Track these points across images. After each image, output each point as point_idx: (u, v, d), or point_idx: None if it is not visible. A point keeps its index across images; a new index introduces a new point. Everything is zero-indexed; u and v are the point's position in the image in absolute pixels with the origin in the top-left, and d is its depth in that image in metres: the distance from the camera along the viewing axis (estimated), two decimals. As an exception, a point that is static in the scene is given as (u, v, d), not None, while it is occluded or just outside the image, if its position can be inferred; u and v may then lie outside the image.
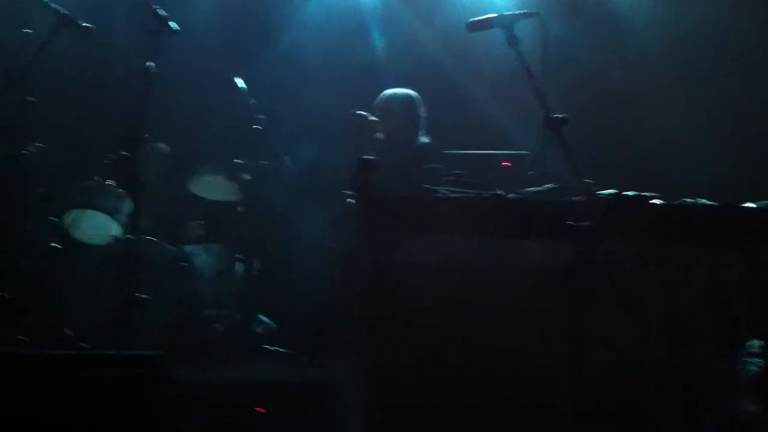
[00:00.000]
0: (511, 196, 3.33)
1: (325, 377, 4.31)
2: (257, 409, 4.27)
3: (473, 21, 3.61)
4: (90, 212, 5.32)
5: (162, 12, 4.47)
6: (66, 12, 4.35)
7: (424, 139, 5.37)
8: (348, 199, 4.62)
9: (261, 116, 5.78)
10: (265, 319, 5.66)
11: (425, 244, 3.17)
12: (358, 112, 5.26)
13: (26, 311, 4.92)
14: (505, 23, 3.51)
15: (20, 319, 4.76)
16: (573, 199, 3.34)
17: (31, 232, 5.36)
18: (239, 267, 5.69)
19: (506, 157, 5.89)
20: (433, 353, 3.09)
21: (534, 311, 3.14)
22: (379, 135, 5.38)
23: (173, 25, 4.49)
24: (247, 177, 5.73)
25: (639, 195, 3.43)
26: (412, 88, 5.55)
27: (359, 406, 3.19)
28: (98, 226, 5.40)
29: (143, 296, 4.30)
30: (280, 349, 5.34)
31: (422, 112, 5.42)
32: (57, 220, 5.51)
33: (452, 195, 3.33)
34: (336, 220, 5.12)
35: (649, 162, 6.34)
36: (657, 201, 3.46)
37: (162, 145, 6.08)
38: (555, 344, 3.12)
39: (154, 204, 6.00)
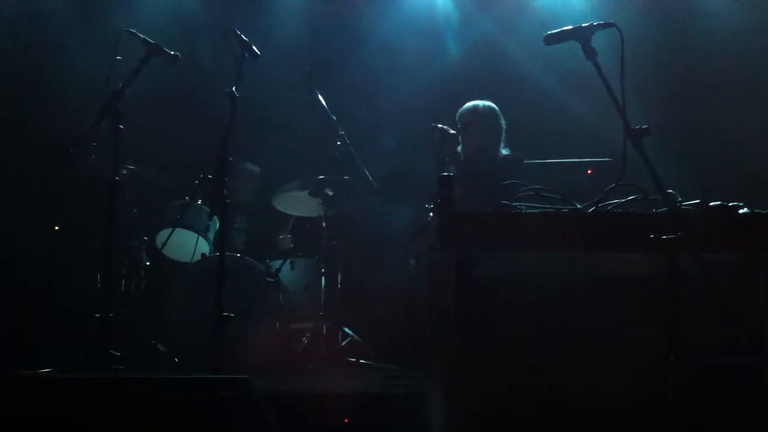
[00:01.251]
0: (591, 210, 3.30)
1: (410, 390, 4.35)
2: (345, 420, 4.33)
3: (550, 34, 3.59)
4: (182, 231, 5.54)
5: (244, 37, 4.62)
6: (153, 42, 4.54)
7: (505, 152, 5.34)
8: (429, 214, 4.66)
9: (342, 132, 5.89)
10: (350, 332, 5.75)
11: (506, 259, 3.17)
12: (439, 125, 5.27)
13: (123, 328, 5.12)
14: (582, 35, 3.49)
15: (117, 335, 4.95)
16: (656, 210, 3.30)
17: (128, 251, 5.61)
18: (324, 281, 5.79)
19: (588, 165, 5.86)
20: (518, 367, 3.09)
21: (617, 324, 3.11)
22: (460, 148, 5.39)
23: (255, 49, 4.63)
24: (330, 192, 5.85)
25: (724, 204, 3.35)
26: (491, 100, 5.54)
27: (444, 419, 3.22)
28: (188, 244, 5.62)
29: (231, 314, 4.41)
30: (366, 362, 5.42)
31: (503, 123, 5.38)
32: (148, 239, 5.77)
33: (531, 211, 3.33)
34: (418, 235, 5.16)
35: (736, 165, 6.18)
36: (744, 210, 3.38)
37: (251, 165, 6.29)
38: (640, 356, 3.09)
39: (242, 221, 6.21)
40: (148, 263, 5.76)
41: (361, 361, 5.45)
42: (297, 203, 6.10)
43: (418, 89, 6.68)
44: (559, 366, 3.09)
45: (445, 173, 3.73)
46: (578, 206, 3.39)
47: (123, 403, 3.00)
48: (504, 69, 6.69)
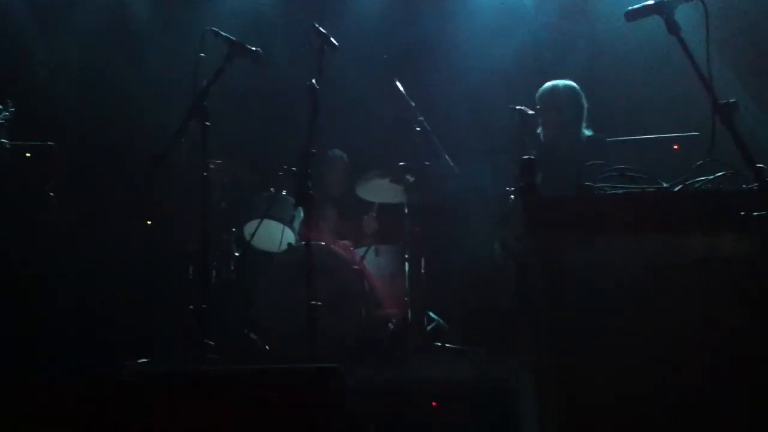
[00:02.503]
0: (678, 188, 3.23)
1: (498, 375, 4.36)
2: (433, 403, 4.37)
3: (631, 9, 3.52)
4: (268, 222, 5.66)
5: (323, 30, 4.68)
6: (236, 39, 4.64)
7: (587, 132, 5.25)
8: (511, 198, 4.64)
9: (421, 118, 5.90)
10: (435, 317, 5.79)
11: (592, 242, 3.14)
12: (518, 107, 5.21)
13: (216, 318, 5.28)
14: (665, 10, 3.41)
15: (210, 325, 5.10)
16: (746, 187, 3.21)
17: (218, 243, 5.77)
18: (409, 267, 5.83)
19: (675, 140, 5.71)
20: (609, 353, 3.04)
21: (709, 310, 3.03)
22: (540, 130, 5.33)
23: (334, 41, 4.69)
24: (411, 178, 5.88)
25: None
26: (570, 78, 5.45)
27: (534, 407, 3.21)
28: (275, 235, 5.75)
29: (317, 303, 4.49)
30: (452, 347, 5.44)
31: (584, 103, 5.28)
32: (237, 231, 5.93)
33: (615, 192, 3.27)
34: (501, 220, 5.14)
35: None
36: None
37: (339, 152, 6.39)
38: (734, 343, 3.00)
39: (330, 209, 6.33)
40: (237, 254, 5.91)
41: (447, 346, 5.48)
42: (379, 190, 6.15)
43: (494, 70, 6.63)
44: (652, 356, 3.02)
45: (526, 157, 3.70)
46: (665, 185, 3.32)
47: (215, 394, 3.10)
48: (584, 45, 6.57)
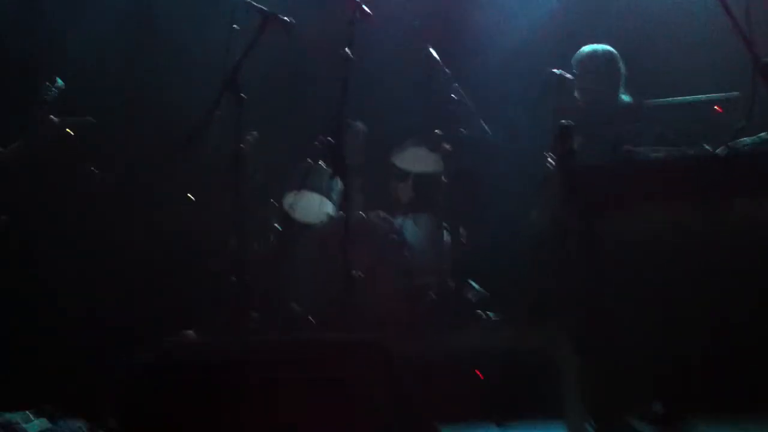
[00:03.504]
0: (719, 150, 3.16)
1: (538, 344, 4.34)
2: (477, 372, 4.38)
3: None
4: (305, 193, 5.67)
5: (356, -1, 4.65)
6: (269, 10, 4.62)
7: (626, 98, 5.16)
8: (549, 164, 4.60)
9: (456, 84, 5.84)
10: (476, 286, 5.77)
11: (631, 208, 3.10)
12: (555, 70, 5.14)
13: (258, 290, 5.33)
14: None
15: (253, 298, 5.16)
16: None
17: (257, 216, 5.81)
18: (448, 236, 5.81)
19: (716, 101, 5.57)
20: (647, 321, 3.02)
21: (751, 273, 2.97)
22: (577, 94, 5.25)
23: (367, 10, 4.65)
24: (448, 147, 5.83)
25: None
26: (607, 39, 5.35)
27: (573, 375, 3.20)
28: (314, 206, 5.76)
29: (358, 273, 4.51)
30: (494, 316, 5.43)
31: (623, 69, 5.19)
32: (276, 203, 5.96)
33: (655, 155, 3.22)
34: (539, 187, 5.09)
35: None
36: None
37: (358, 123, 6.37)
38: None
39: (364, 180, 6.32)
40: (277, 226, 5.94)
41: (489, 315, 5.47)
42: (416, 160, 6.11)
43: (528, 33, 6.52)
44: (692, 323, 2.98)
45: (564, 122, 3.66)
46: (707, 148, 3.26)
47: (258, 365, 3.14)
48: (618, 5, 6.42)
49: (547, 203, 3.66)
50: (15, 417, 3.92)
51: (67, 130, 5.11)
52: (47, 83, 5.22)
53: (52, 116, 5.18)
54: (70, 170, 5.57)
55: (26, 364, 4.57)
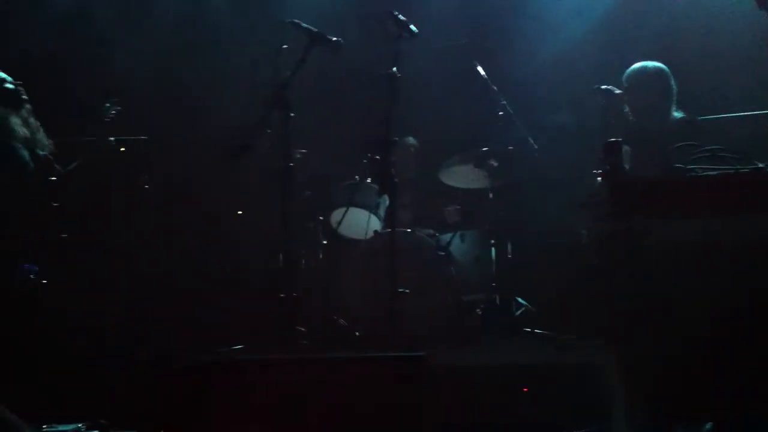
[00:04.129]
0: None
1: (587, 360, 4.30)
2: (524, 389, 4.35)
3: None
4: (354, 209, 5.72)
5: (402, 17, 4.68)
6: (316, 30, 4.69)
7: (677, 114, 5.11)
8: (597, 180, 4.56)
9: (504, 102, 5.84)
10: (522, 301, 5.75)
11: (682, 226, 3.06)
12: (603, 86, 5.11)
13: (306, 305, 5.37)
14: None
15: (301, 312, 5.21)
16: None
17: (305, 232, 5.87)
18: (495, 252, 5.80)
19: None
20: (696, 332, 2.97)
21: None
22: (628, 109, 5.21)
23: (413, 28, 4.68)
24: (495, 163, 5.83)
25: None
26: (656, 53, 5.31)
27: (622, 389, 3.18)
28: (360, 222, 5.81)
29: (404, 290, 4.52)
30: (540, 331, 5.40)
31: (674, 86, 5.13)
32: (323, 219, 6.01)
33: (707, 173, 3.18)
34: (587, 203, 5.05)
35: None
36: None
37: (410, 139, 6.40)
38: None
39: (408, 197, 6.35)
40: (324, 242, 6.00)
41: (536, 331, 5.44)
42: (463, 176, 6.13)
43: (574, 49, 6.49)
44: (742, 334, 2.94)
45: (612, 139, 3.64)
46: (761, 165, 3.21)
47: (305, 381, 3.17)
48: (666, 20, 6.35)
49: (596, 219, 3.64)
50: (67, 429, 3.99)
51: (122, 149, 5.23)
52: (105, 104, 5.35)
53: (110, 137, 5.29)
54: (125, 186, 5.68)
55: (80, 375, 4.66)
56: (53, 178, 4.88)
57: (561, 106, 6.29)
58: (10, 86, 4.89)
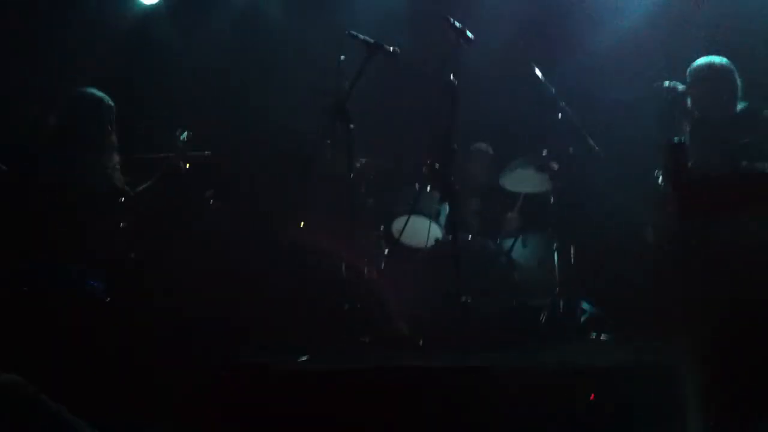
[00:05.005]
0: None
1: (657, 364, 4.22)
2: (591, 396, 4.29)
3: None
4: (414, 217, 5.74)
5: (458, 24, 4.69)
6: (373, 40, 4.74)
7: (742, 107, 4.98)
8: (660, 180, 4.50)
9: (563, 104, 5.80)
10: (588, 306, 5.68)
11: (747, 224, 3.00)
12: (666, 84, 5.03)
13: (369, 314, 5.40)
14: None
15: (364, 321, 5.23)
16: None
17: (367, 241, 5.90)
18: (557, 255, 5.75)
19: None
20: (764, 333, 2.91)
21: None
22: (691, 106, 5.11)
23: (470, 34, 4.69)
24: (556, 166, 5.79)
25: None
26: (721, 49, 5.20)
27: (697, 394, 3.12)
28: (422, 230, 5.82)
29: (467, 298, 4.51)
30: (606, 336, 5.33)
31: (739, 82, 5.02)
32: (384, 227, 6.04)
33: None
34: (652, 203, 4.97)
35: None
36: None
37: (483, 145, 6.41)
38: None
39: (476, 203, 6.35)
40: (386, 251, 6.02)
41: (602, 335, 5.36)
42: (524, 180, 6.11)
43: (632, 45, 6.40)
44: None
45: (676, 138, 3.59)
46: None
47: (372, 390, 3.19)
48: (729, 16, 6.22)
49: (662, 219, 3.58)
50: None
51: (187, 165, 5.32)
52: (178, 131, 5.46)
53: (181, 162, 5.38)
54: (192, 201, 5.77)
55: (143, 379, 4.75)
56: (122, 199, 4.97)
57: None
58: (111, 103, 4.96)
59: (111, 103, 4.88)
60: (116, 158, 4.95)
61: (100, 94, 4.90)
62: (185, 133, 5.31)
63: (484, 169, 6.49)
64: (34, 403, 3.17)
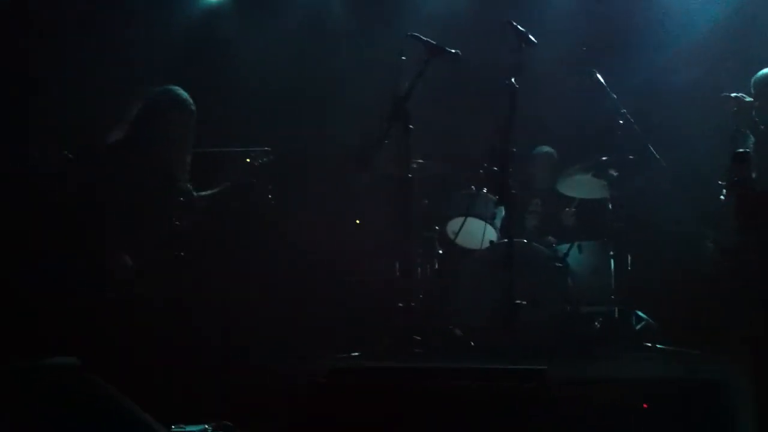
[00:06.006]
0: None
1: (712, 377, 4.16)
2: (644, 405, 4.24)
3: None
4: (469, 219, 5.74)
5: (521, 28, 4.68)
6: (435, 42, 4.75)
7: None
8: (723, 192, 4.41)
9: (624, 110, 5.74)
10: (643, 315, 5.61)
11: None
12: (732, 95, 4.94)
13: (422, 314, 5.42)
14: None
15: (416, 321, 5.25)
16: None
17: (421, 241, 5.92)
18: (614, 263, 5.70)
19: None
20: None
21: None
22: (756, 116, 5.01)
23: (532, 38, 4.67)
24: (615, 173, 5.73)
25: None
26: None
27: (751, 406, 3.06)
28: (476, 232, 5.82)
29: (521, 302, 4.50)
30: (662, 347, 5.26)
31: None
32: (439, 228, 6.05)
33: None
34: (714, 215, 4.88)
35: None
36: None
37: (546, 148, 6.39)
38: None
39: (536, 205, 6.33)
40: (440, 251, 6.04)
41: (657, 345, 5.30)
42: (581, 186, 6.07)
43: (696, 55, 6.30)
44: None
45: (740, 149, 3.53)
46: None
47: (421, 393, 3.19)
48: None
49: (722, 231, 3.53)
50: (194, 429, 4.14)
51: (246, 159, 5.38)
52: (260, 152, 5.54)
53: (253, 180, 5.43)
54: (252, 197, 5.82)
55: (207, 378, 4.83)
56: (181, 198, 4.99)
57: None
58: (193, 107, 4.96)
59: (193, 107, 4.93)
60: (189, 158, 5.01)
61: (185, 93, 4.94)
62: (267, 158, 5.34)
63: (546, 172, 6.47)
64: (89, 386, 3.18)
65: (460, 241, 5.92)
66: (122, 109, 4.88)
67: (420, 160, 5.93)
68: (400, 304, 4.73)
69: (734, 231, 3.27)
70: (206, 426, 4.19)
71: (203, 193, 5.06)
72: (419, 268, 5.91)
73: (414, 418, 3.13)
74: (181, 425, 4.13)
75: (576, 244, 5.86)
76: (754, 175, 3.89)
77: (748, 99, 4.89)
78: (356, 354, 5.35)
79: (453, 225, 5.89)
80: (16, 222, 4.67)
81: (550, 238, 6.06)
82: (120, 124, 4.83)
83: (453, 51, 4.77)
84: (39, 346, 4.32)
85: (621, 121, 5.69)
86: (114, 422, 3.17)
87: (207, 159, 5.32)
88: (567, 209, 6.30)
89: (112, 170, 4.67)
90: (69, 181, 4.81)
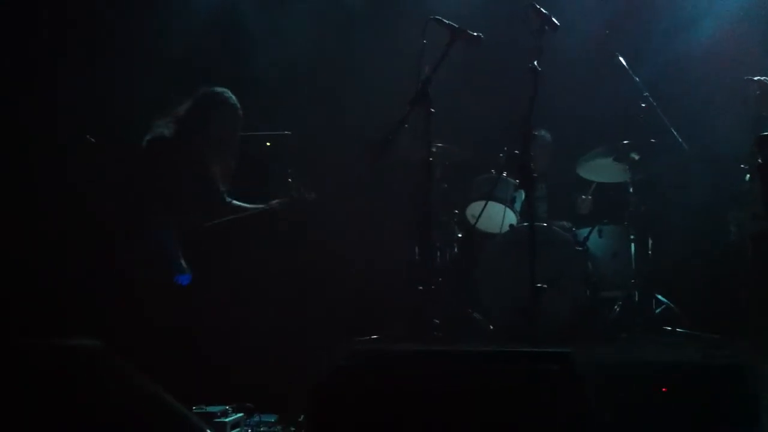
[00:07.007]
0: None
1: (732, 361, 4.15)
2: (663, 389, 4.24)
3: None
4: (489, 203, 5.73)
5: (544, 10, 4.64)
6: (457, 26, 4.72)
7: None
8: (746, 175, 4.39)
9: (646, 94, 5.69)
10: (664, 299, 5.60)
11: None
12: (755, 78, 4.90)
13: (441, 297, 5.43)
14: None
15: (435, 304, 5.26)
16: None
17: (441, 225, 5.92)
18: (634, 248, 5.68)
19: None
20: None
21: None
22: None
23: (555, 21, 4.63)
24: (636, 156, 5.70)
25: None
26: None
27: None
28: (496, 216, 5.81)
29: (542, 285, 4.49)
30: (682, 331, 5.25)
31: None
32: (459, 212, 6.05)
33: None
34: (737, 200, 4.85)
35: None
36: None
37: (544, 132, 6.37)
38: None
39: (542, 189, 6.30)
40: (460, 235, 6.04)
41: (677, 329, 5.29)
42: (602, 169, 6.04)
43: (719, 39, 6.24)
44: None
45: (764, 133, 3.50)
46: None
47: (443, 375, 3.20)
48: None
49: (745, 215, 3.50)
50: (215, 410, 4.19)
51: (267, 143, 5.41)
52: (280, 134, 5.55)
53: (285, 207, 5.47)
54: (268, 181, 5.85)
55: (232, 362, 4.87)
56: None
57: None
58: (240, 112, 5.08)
59: (240, 111, 5.05)
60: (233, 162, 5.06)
61: (233, 97, 5.07)
62: (297, 185, 5.37)
63: (545, 156, 6.41)
64: (114, 370, 3.22)
65: (480, 225, 5.91)
66: (169, 107, 5.05)
67: (440, 144, 5.92)
68: (420, 288, 4.72)
69: (756, 215, 3.24)
70: (227, 407, 4.25)
71: (241, 204, 5.20)
72: (439, 252, 5.91)
73: (434, 400, 3.14)
74: (202, 406, 4.19)
75: (596, 228, 5.85)
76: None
77: None
78: (376, 337, 5.38)
79: (473, 209, 5.90)
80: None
81: (565, 223, 6.03)
82: (165, 120, 4.94)
83: (475, 34, 4.74)
84: (62, 327, 4.41)
85: (643, 105, 5.66)
86: (135, 403, 3.20)
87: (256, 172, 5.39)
88: (583, 197, 6.26)
89: (152, 164, 4.80)
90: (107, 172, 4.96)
